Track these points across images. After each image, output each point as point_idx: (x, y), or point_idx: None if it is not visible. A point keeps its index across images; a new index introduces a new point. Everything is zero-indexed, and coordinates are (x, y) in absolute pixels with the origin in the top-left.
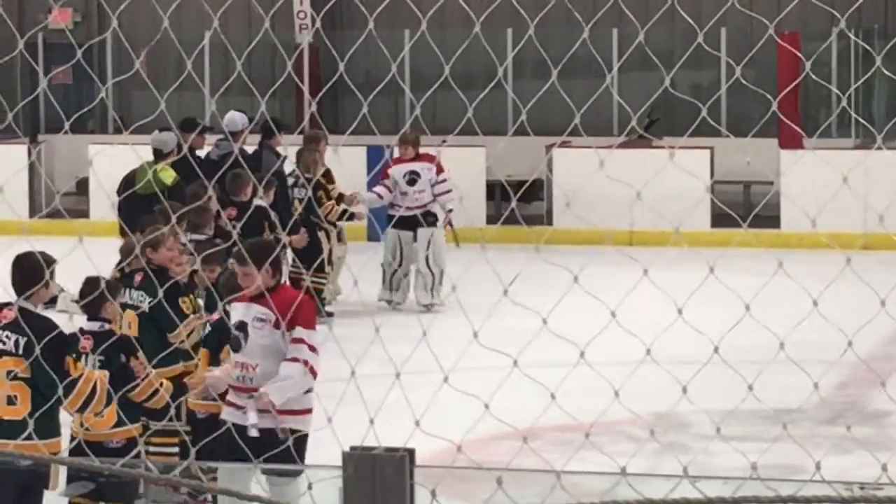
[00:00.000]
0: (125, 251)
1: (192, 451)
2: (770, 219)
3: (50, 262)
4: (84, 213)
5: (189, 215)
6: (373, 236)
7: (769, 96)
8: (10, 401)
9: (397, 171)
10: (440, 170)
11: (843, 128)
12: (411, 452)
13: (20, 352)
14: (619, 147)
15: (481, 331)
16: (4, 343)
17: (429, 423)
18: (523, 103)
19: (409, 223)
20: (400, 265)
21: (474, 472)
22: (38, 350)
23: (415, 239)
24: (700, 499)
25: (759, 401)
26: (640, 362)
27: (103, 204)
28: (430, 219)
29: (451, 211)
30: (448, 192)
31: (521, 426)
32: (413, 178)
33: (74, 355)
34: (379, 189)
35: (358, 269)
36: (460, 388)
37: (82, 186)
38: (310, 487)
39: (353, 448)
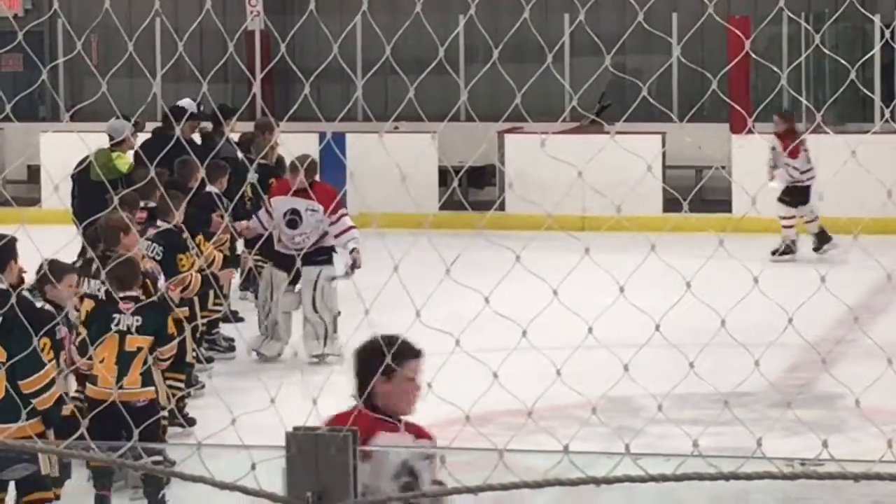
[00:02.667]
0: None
1: (136, 431)
2: (721, 203)
3: (11, 240)
4: (35, 202)
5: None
6: None
7: (710, 76)
8: None
9: (278, 206)
10: (335, 207)
11: (795, 111)
12: (354, 432)
13: None
14: (571, 132)
15: (429, 316)
16: None
17: None
18: (475, 89)
19: (286, 262)
20: (270, 311)
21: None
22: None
23: (293, 281)
24: (642, 476)
25: (701, 379)
26: (582, 341)
27: (54, 192)
28: (318, 257)
29: (353, 251)
30: (347, 230)
31: (471, 411)
32: (293, 221)
33: (49, 338)
34: (262, 215)
35: None
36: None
37: (33, 175)
38: (253, 468)
39: (296, 428)
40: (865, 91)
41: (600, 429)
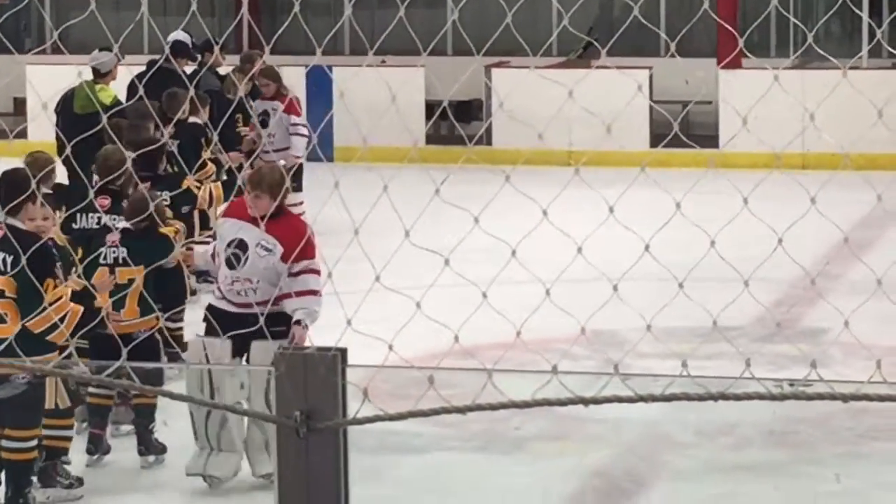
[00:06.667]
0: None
1: (124, 351)
2: (709, 138)
3: (26, 180)
4: (21, 134)
5: (126, 133)
6: (313, 155)
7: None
8: (0, 319)
9: (224, 232)
10: (301, 253)
11: (783, 47)
12: (343, 352)
13: (8, 270)
14: (559, 66)
15: (416, 248)
16: None
17: (366, 328)
18: (463, 22)
19: (223, 325)
20: (210, 412)
21: (412, 384)
22: (24, 262)
23: (241, 359)
24: (630, 396)
25: (689, 298)
26: (572, 261)
27: (41, 125)
28: (274, 327)
29: (298, 323)
30: (307, 294)
31: (456, 345)
32: (234, 258)
33: (57, 279)
34: (214, 246)
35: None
36: (395, 291)
37: (20, 107)
38: (242, 387)
39: (284, 348)
40: (856, 11)
41: (587, 362)
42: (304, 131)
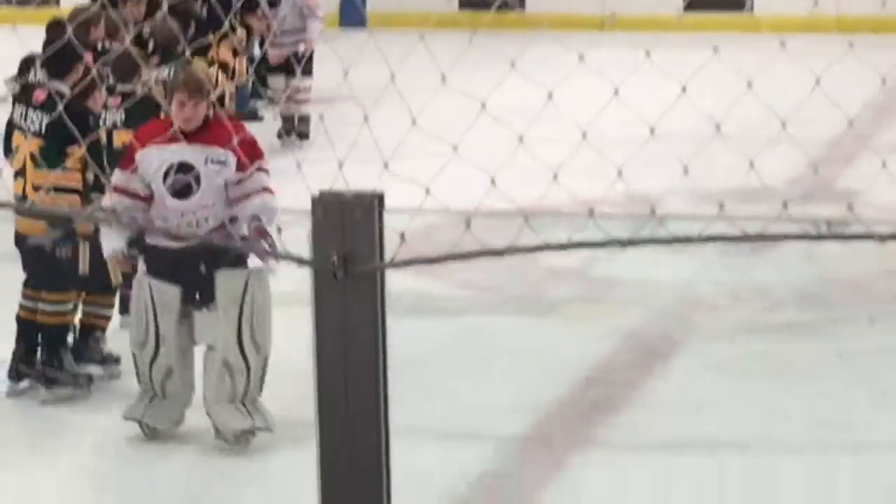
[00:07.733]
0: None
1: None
2: (741, 3)
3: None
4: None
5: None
6: (347, 20)
7: None
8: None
9: (153, 158)
10: (247, 155)
11: None
12: (380, 196)
13: (43, 132)
14: None
15: (446, 102)
16: (34, 123)
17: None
18: None
19: (172, 263)
20: (155, 353)
21: (449, 246)
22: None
23: (196, 301)
24: (667, 237)
25: (723, 139)
26: (608, 102)
27: None
28: (241, 253)
29: (265, 239)
30: (259, 192)
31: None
32: (183, 184)
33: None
34: (122, 178)
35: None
36: (429, 134)
37: None
38: (279, 232)
39: (321, 192)
40: None
41: (621, 222)
42: (321, 14)
